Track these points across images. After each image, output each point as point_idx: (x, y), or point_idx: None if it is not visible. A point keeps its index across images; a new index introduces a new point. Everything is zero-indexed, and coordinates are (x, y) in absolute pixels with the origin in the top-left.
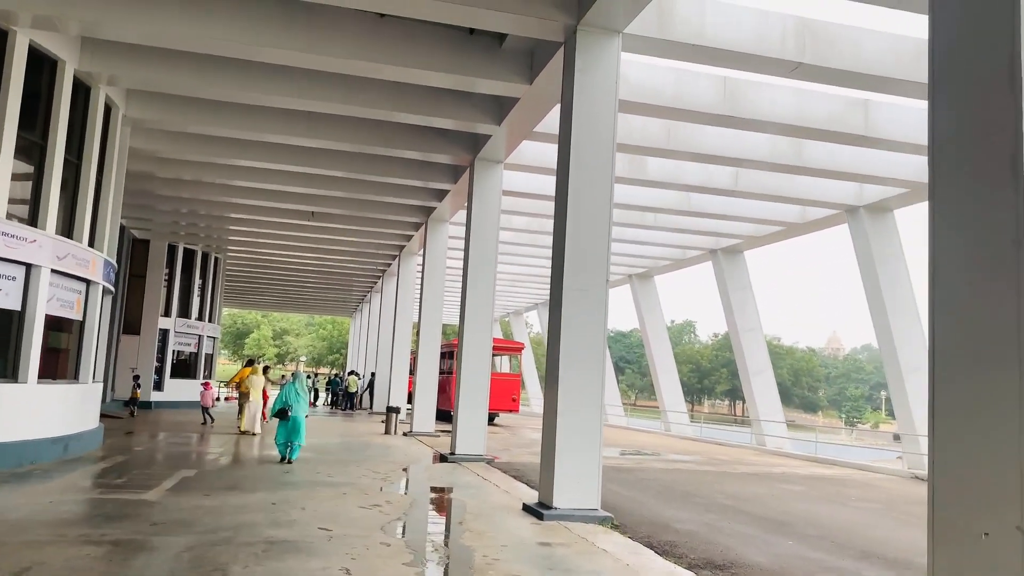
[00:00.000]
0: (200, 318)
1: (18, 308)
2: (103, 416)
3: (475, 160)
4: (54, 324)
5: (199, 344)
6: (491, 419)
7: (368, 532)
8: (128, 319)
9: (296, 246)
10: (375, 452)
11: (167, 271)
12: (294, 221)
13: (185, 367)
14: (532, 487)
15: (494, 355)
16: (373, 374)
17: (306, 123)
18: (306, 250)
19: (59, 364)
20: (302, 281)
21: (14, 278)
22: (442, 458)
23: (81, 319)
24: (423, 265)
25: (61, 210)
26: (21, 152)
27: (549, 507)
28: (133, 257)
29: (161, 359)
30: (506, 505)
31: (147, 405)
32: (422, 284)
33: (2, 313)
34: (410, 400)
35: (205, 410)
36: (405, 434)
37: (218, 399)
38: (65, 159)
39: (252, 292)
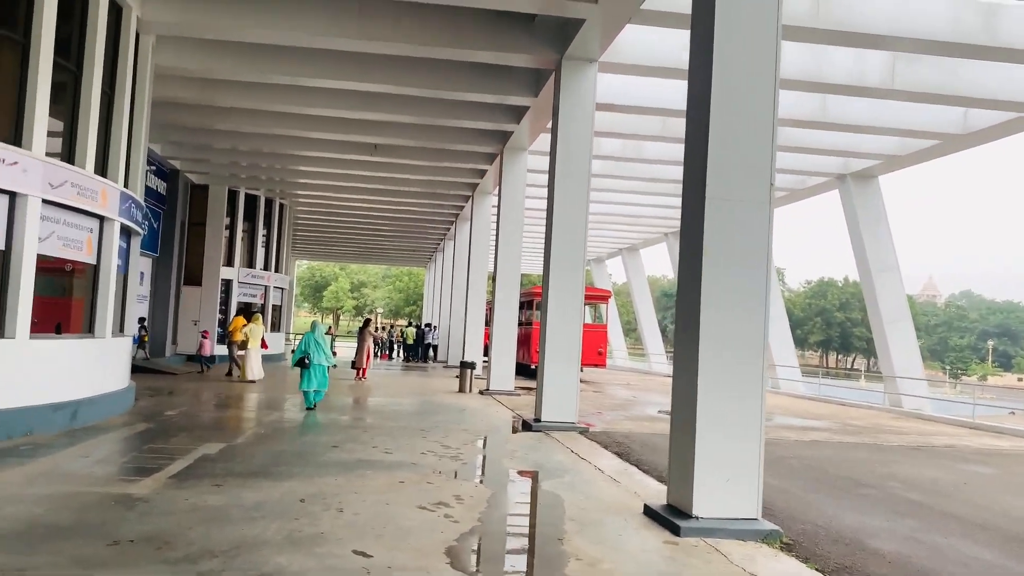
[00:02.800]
0: (266, 268)
1: (1, 247)
2: (158, 372)
3: (562, 60)
4: (54, 268)
5: (265, 295)
6: None
7: (426, 561)
8: (189, 269)
9: (364, 187)
10: (446, 416)
11: (228, 218)
12: (360, 158)
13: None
14: (645, 471)
15: None
16: (426, 326)
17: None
18: (375, 192)
19: (66, 315)
20: (374, 228)
21: None
22: (525, 425)
23: (95, 262)
24: (499, 203)
25: (62, 130)
26: None
27: (687, 515)
28: (192, 204)
29: (225, 311)
30: (620, 504)
31: (211, 360)
32: (498, 223)
33: None
34: (486, 353)
35: (202, 359)
36: (481, 392)
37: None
38: (57, 62)
39: (325, 242)
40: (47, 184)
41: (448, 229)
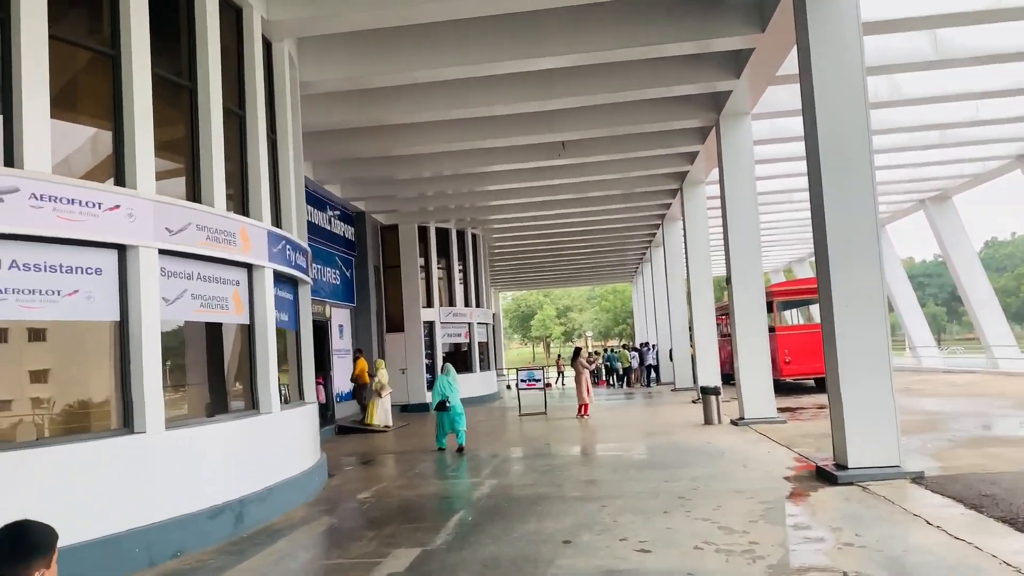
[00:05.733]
0: (467, 304)
1: (115, 317)
2: (364, 431)
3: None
4: (191, 334)
5: (470, 332)
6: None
7: None
8: (389, 315)
9: (557, 200)
10: (705, 467)
11: (422, 257)
12: (549, 163)
13: (457, 360)
14: None
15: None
16: (643, 345)
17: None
18: (568, 204)
19: (215, 394)
20: (571, 246)
21: (98, 271)
22: (822, 474)
23: (248, 321)
24: (721, 186)
25: (175, 166)
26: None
27: None
28: (384, 247)
29: (431, 355)
30: None
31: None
32: (725, 215)
33: (92, 329)
34: (725, 375)
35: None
36: (734, 422)
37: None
38: (159, 74)
39: (524, 269)
40: (162, 229)
41: (654, 235)
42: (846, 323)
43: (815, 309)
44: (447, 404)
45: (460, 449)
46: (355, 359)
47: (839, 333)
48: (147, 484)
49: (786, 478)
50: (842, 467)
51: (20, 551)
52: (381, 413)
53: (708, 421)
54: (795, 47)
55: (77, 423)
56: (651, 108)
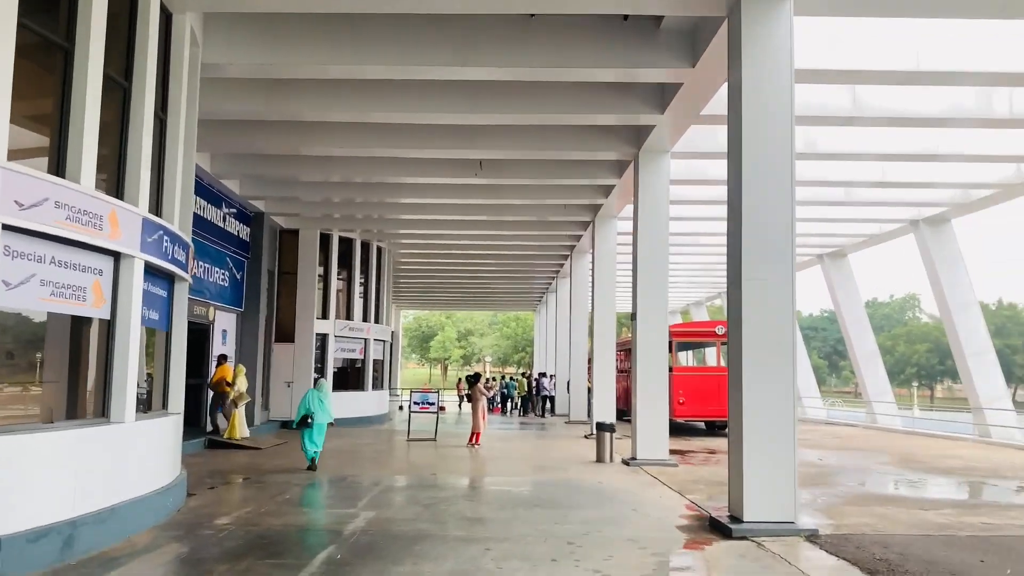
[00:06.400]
0: (365, 319)
1: None
2: (238, 447)
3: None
4: (41, 327)
5: (365, 349)
6: (719, 426)
7: None
8: (281, 324)
9: (469, 221)
10: (595, 509)
11: (321, 266)
12: (463, 182)
13: (350, 377)
14: None
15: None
16: (541, 375)
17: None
18: (480, 226)
19: (60, 395)
20: (479, 271)
21: None
22: (715, 525)
23: (108, 316)
24: (635, 221)
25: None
26: None
27: None
28: (282, 251)
29: (321, 370)
30: None
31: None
32: (635, 244)
33: None
34: (619, 411)
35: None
36: (626, 462)
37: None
38: (23, 23)
39: (429, 289)
40: (12, 203)
41: (562, 265)
42: (754, 372)
43: (710, 352)
44: (309, 420)
45: (311, 464)
46: (217, 365)
47: (747, 381)
48: None
49: (679, 527)
50: (736, 519)
51: None
52: (241, 425)
53: (600, 459)
54: (723, 87)
55: None
56: (573, 135)
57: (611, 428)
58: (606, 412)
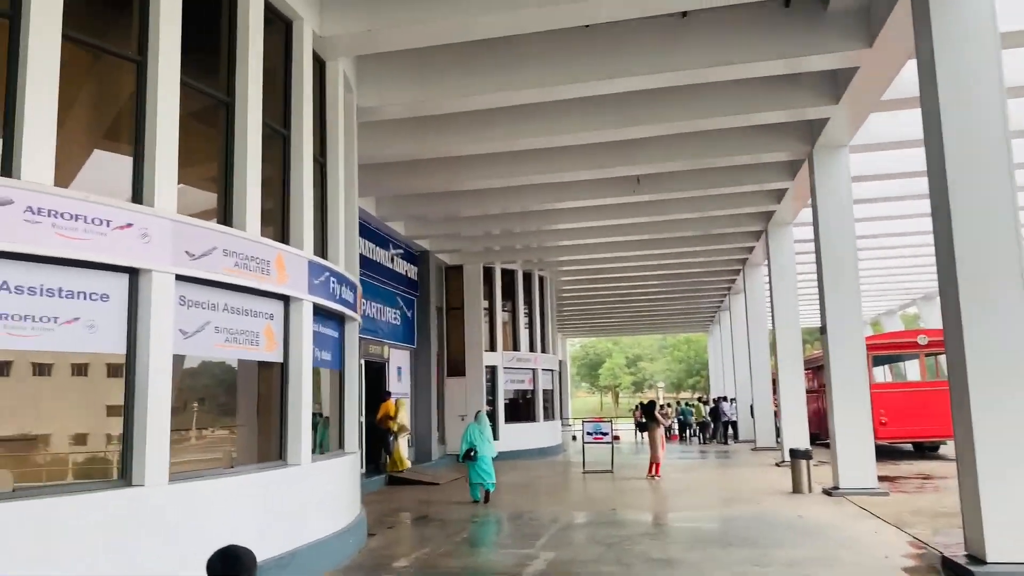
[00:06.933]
0: (532, 349)
1: (120, 350)
2: (417, 483)
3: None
4: (216, 371)
5: (534, 379)
6: (928, 448)
7: None
8: (452, 358)
9: (630, 241)
10: (799, 549)
11: (486, 300)
12: (622, 200)
13: (521, 408)
14: None
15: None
16: (721, 399)
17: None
18: (642, 246)
19: (241, 441)
20: (644, 292)
21: (104, 296)
22: (948, 565)
23: (281, 359)
24: (814, 212)
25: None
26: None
27: None
28: (448, 287)
29: (492, 401)
30: None
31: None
32: (818, 246)
33: (104, 365)
34: (811, 434)
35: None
36: (827, 492)
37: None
38: (186, 82)
39: (594, 315)
40: (182, 252)
41: (734, 281)
42: (983, 386)
43: (910, 365)
44: (472, 454)
45: (487, 497)
46: (383, 401)
47: (975, 399)
48: (136, 544)
49: (904, 569)
50: (977, 560)
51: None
52: (402, 457)
53: (797, 489)
54: (906, 64)
55: (79, 467)
56: (736, 138)
57: (807, 455)
58: (798, 436)
